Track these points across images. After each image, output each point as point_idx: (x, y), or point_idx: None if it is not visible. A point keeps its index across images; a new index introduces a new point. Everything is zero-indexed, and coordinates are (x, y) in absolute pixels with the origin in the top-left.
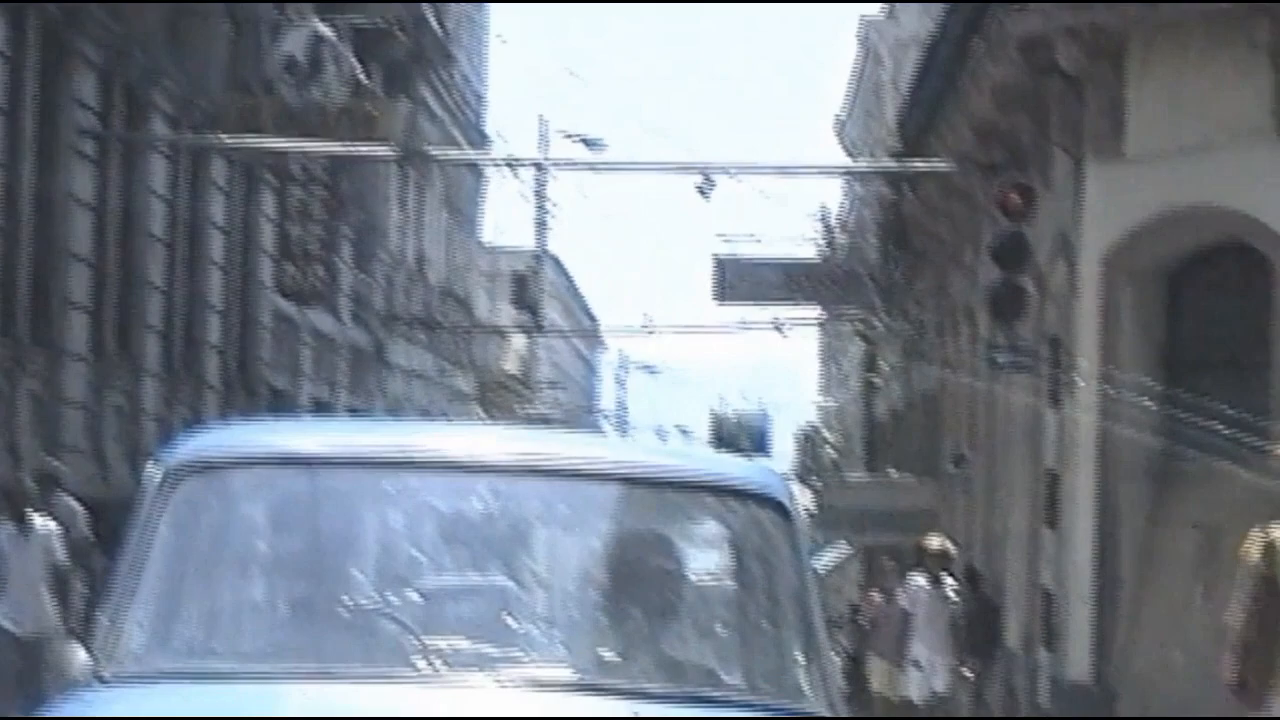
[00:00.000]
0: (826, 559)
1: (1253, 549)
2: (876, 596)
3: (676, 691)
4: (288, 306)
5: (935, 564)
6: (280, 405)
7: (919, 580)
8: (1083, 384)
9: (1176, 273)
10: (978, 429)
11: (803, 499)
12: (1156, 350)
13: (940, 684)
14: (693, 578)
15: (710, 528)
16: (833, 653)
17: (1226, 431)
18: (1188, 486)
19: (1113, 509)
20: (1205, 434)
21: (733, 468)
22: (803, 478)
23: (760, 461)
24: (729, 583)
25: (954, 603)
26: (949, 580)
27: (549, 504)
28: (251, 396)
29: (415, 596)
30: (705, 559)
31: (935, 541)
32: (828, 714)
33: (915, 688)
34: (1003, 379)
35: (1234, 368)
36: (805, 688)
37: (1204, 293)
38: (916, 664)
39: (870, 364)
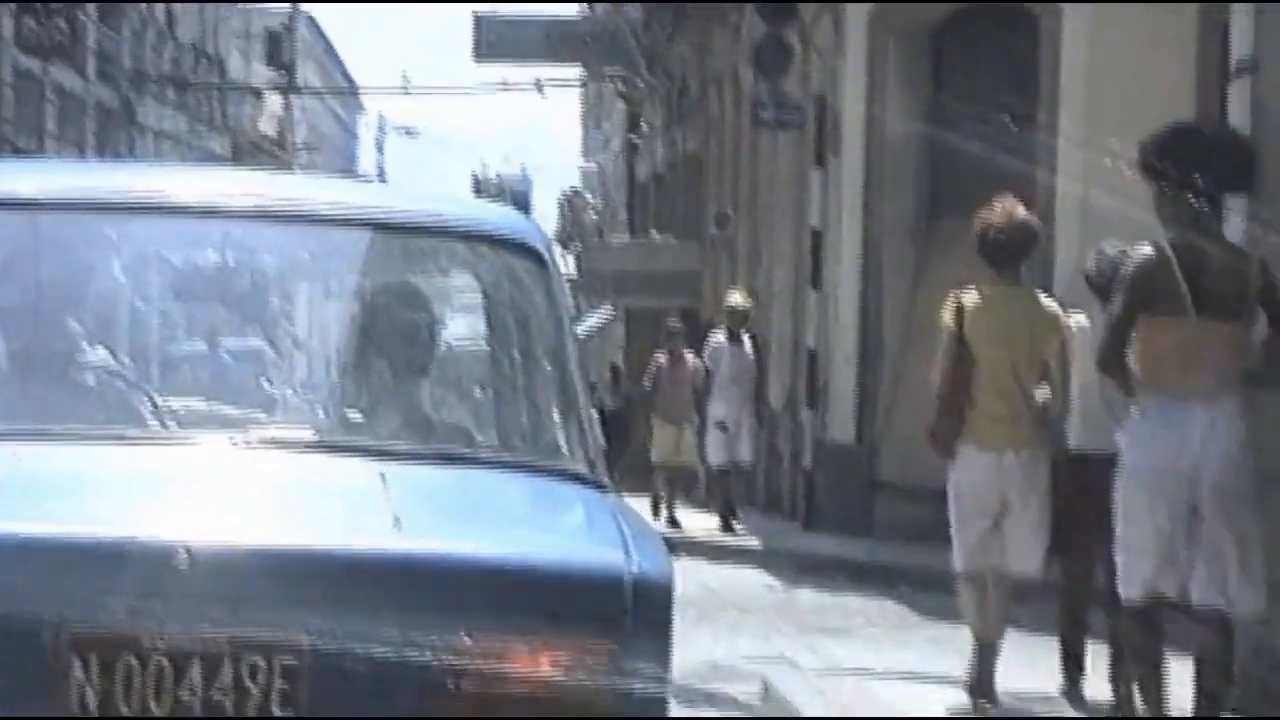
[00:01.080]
0: (589, 322)
1: (946, 313)
2: (661, 358)
3: (425, 450)
4: (29, 62)
5: (737, 322)
6: None
7: (719, 338)
8: (849, 142)
9: (942, 29)
10: (741, 189)
11: (566, 264)
12: (922, 108)
13: (746, 450)
14: (445, 330)
15: (463, 277)
16: (593, 410)
17: (989, 190)
18: (951, 245)
19: (876, 268)
20: (968, 193)
21: (487, 214)
22: (564, 242)
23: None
24: (483, 336)
25: (751, 360)
26: (748, 339)
27: (290, 252)
28: None
29: (145, 353)
30: (457, 311)
31: (736, 298)
32: (585, 472)
33: (714, 450)
34: (768, 138)
35: (999, 126)
36: (562, 445)
37: (970, 50)
38: (721, 425)
39: (632, 125)
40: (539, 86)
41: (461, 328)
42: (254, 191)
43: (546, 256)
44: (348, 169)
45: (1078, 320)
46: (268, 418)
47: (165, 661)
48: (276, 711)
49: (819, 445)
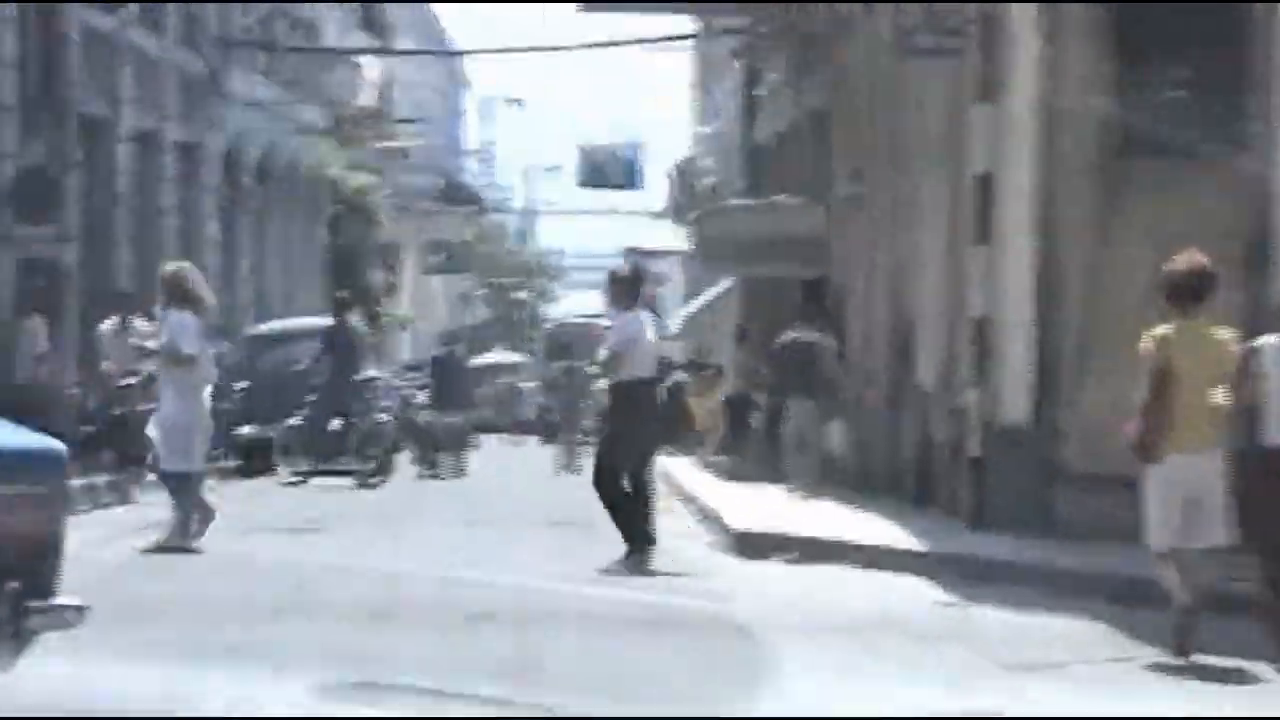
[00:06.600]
0: (704, 297)
1: (1150, 344)
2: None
3: None
4: (101, 19)
5: None
6: (96, 133)
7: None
8: (1020, 70)
9: None
10: (879, 138)
11: (678, 238)
12: (1108, 29)
13: None
14: None
15: None
16: None
17: (1188, 128)
18: (1143, 192)
19: (1054, 221)
20: (1164, 130)
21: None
22: (677, 215)
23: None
24: None
25: None
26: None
27: None
28: (59, 121)
29: None
30: None
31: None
32: None
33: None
34: (911, 80)
35: (1199, 49)
36: None
37: None
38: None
39: (750, 81)
40: (641, 42)
41: None
42: None
43: None
44: (450, 145)
45: (1269, 341)
46: None
47: None
48: None
49: (987, 429)
